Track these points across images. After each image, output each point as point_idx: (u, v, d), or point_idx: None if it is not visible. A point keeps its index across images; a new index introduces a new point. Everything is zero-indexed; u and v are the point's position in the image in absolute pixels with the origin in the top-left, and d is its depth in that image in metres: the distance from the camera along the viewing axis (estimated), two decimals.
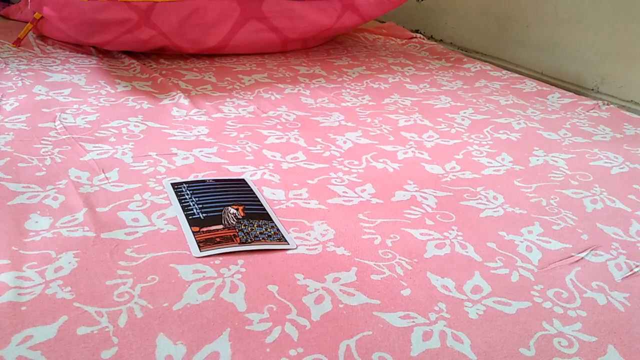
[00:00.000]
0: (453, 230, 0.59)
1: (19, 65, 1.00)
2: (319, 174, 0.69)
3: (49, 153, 0.68)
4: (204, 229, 0.54)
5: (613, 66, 1.20)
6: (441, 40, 1.64)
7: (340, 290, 0.48)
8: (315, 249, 0.53)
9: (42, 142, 0.71)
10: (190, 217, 0.56)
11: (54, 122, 0.77)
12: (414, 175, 0.71)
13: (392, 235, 0.57)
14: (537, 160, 0.78)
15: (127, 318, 0.42)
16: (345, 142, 0.79)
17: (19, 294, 0.44)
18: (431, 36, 1.66)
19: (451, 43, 1.60)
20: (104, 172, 0.64)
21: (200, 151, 0.72)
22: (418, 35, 1.47)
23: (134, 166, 0.67)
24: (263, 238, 0.54)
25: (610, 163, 0.78)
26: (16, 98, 0.84)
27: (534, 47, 1.37)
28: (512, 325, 0.45)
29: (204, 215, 0.57)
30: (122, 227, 0.54)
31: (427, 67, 1.22)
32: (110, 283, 0.46)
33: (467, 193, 0.67)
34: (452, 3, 1.58)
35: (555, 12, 1.31)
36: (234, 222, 0.56)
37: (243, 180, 0.66)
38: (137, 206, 0.58)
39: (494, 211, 0.63)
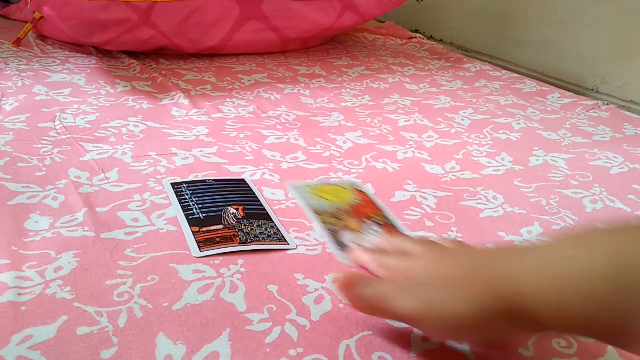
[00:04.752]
0: (453, 231, 0.59)
1: (19, 65, 1.00)
2: (319, 174, 0.69)
3: (49, 153, 0.68)
4: (204, 229, 0.54)
5: (613, 66, 1.21)
6: (441, 40, 1.64)
7: None
8: (316, 249, 0.53)
9: (42, 142, 0.71)
10: (190, 217, 0.56)
11: (54, 122, 0.77)
12: (413, 175, 0.71)
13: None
14: (537, 160, 0.78)
15: (127, 318, 0.42)
16: (345, 142, 0.79)
17: (18, 294, 0.44)
18: (431, 36, 1.66)
19: (451, 43, 1.60)
20: (104, 172, 0.64)
21: (200, 151, 0.72)
22: (418, 35, 1.47)
23: (134, 166, 0.67)
24: (263, 238, 0.54)
25: (610, 163, 0.78)
26: (16, 98, 0.84)
27: (534, 47, 1.37)
28: None
29: (204, 215, 0.57)
30: (122, 227, 0.54)
31: (427, 67, 1.22)
32: (110, 283, 0.46)
33: (467, 193, 0.67)
34: (452, 3, 1.58)
35: (555, 12, 1.31)
36: (234, 222, 0.56)
37: (243, 180, 0.66)
38: (137, 206, 0.58)
39: (494, 211, 0.63)
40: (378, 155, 0.76)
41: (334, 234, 0.55)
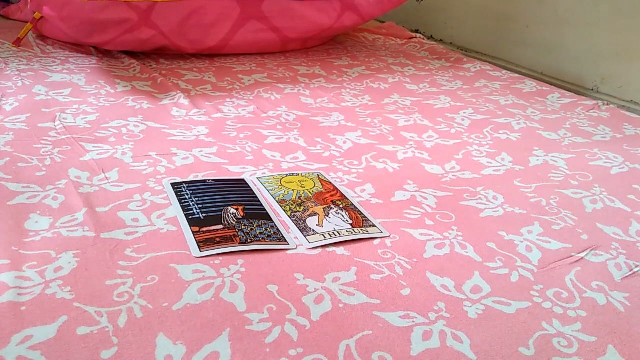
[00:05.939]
0: (453, 230, 0.59)
1: (19, 65, 1.00)
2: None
3: (49, 153, 0.68)
4: (204, 229, 0.54)
5: (613, 66, 1.21)
6: (441, 40, 1.64)
7: (340, 290, 0.48)
8: (315, 249, 0.53)
9: (42, 142, 0.71)
10: (190, 217, 0.56)
11: (54, 122, 0.77)
12: (414, 175, 0.71)
13: (391, 236, 0.57)
14: (537, 160, 0.78)
15: (127, 318, 0.42)
16: (345, 142, 0.79)
17: (19, 294, 0.44)
18: (431, 36, 1.66)
19: (451, 43, 1.60)
20: (104, 172, 0.64)
21: (200, 151, 0.72)
22: (418, 35, 1.47)
23: (134, 166, 0.67)
24: (263, 238, 0.54)
25: (610, 163, 0.78)
26: (16, 98, 0.84)
27: (534, 47, 1.37)
28: (511, 325, 0.45)
29: (204, 215, 0.57)
30: (122, 227, 0.54)
31: (427, 67, 1.22)
32: (110, 283, 0.46)
33: (467, 193, 0.67)
34: (452, 3, 1.58)
35: (555, 12, 1.31)
36: (234, 222, 0.56)
37: (243, 180, 0.66)
38: (137, 206, 0.58)
39: (494, 211, 0.63)
40: (378, 155, 0.76)
41: (299, 221, 0.57)
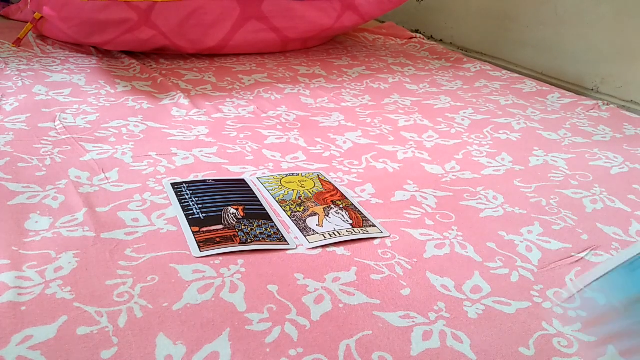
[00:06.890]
0: (453, 230, 0.59)
1: (19, 65, 1.00)
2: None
3: (49, 153, 0.68)
4: (204, 229, 0.54)
5: (613, 66, 1.20)
6: (441, 40, 1.64)
7: (340, 290, 0.48)
8: (315, 249, 0.53)
9: (42, 142, 0.71)
10: (190, 217, 0.56)
11: (54, 122, 0.77)
12: (414, 175, 0.71)
13: (391, 235, 0.57)
14: (537, 160, 0.78)
15: (127, 318, 0.42)
16: (345, 142, 0.79)
17: (19, 294, 0.44)
18: (431, 36, 1.66)
19: (451, 43, 1.60)
20: (104, 172, 0.64)
21: (200, 151, 0.72)
22: (418, 35, 1.47)
23: (134, 166, 0.67)
24: (263, 238, 0.54)
25: (610, 163, 0.78)
26: (16, 98, 0.84)
27: (534, 47, 1.37)
28: (511, 325, 0.45)
29: (204, 215, 0.57)
30: (122, 227, 0.54)
31: (427, 67, 1.22)
32: (110, 283, 0.46)
33: (467, 193, 0.67)
34: (452, 3, 1.58)
35: (555, 12, 1.31)
36: (234, 222, 0.56)
37: (243, 180, 0.66)
38: (137, 206, 0.58)
39: (494, 211, 0.63)
40: (378, 155, 0.76)
41: (299, 221, 0.57)
